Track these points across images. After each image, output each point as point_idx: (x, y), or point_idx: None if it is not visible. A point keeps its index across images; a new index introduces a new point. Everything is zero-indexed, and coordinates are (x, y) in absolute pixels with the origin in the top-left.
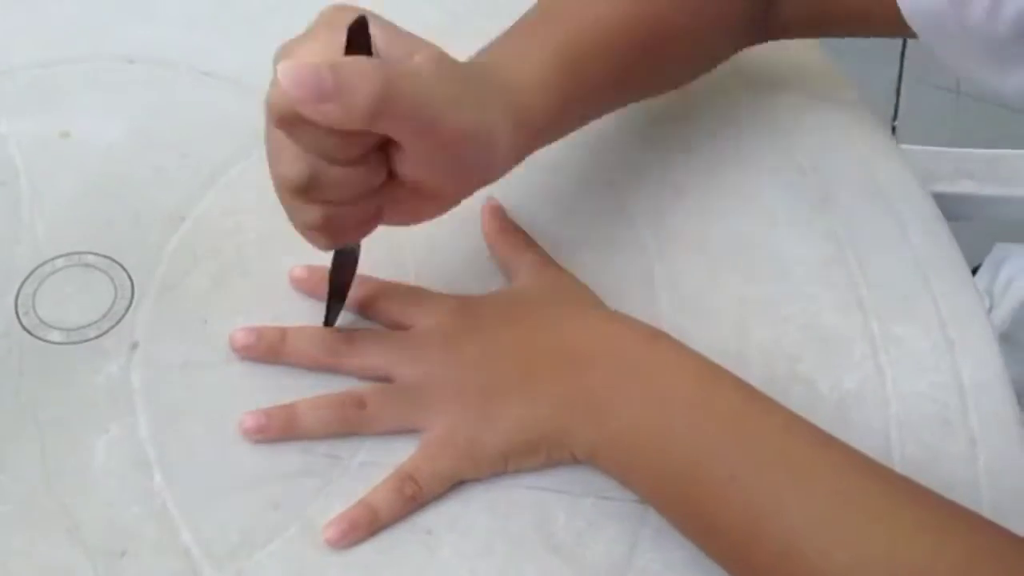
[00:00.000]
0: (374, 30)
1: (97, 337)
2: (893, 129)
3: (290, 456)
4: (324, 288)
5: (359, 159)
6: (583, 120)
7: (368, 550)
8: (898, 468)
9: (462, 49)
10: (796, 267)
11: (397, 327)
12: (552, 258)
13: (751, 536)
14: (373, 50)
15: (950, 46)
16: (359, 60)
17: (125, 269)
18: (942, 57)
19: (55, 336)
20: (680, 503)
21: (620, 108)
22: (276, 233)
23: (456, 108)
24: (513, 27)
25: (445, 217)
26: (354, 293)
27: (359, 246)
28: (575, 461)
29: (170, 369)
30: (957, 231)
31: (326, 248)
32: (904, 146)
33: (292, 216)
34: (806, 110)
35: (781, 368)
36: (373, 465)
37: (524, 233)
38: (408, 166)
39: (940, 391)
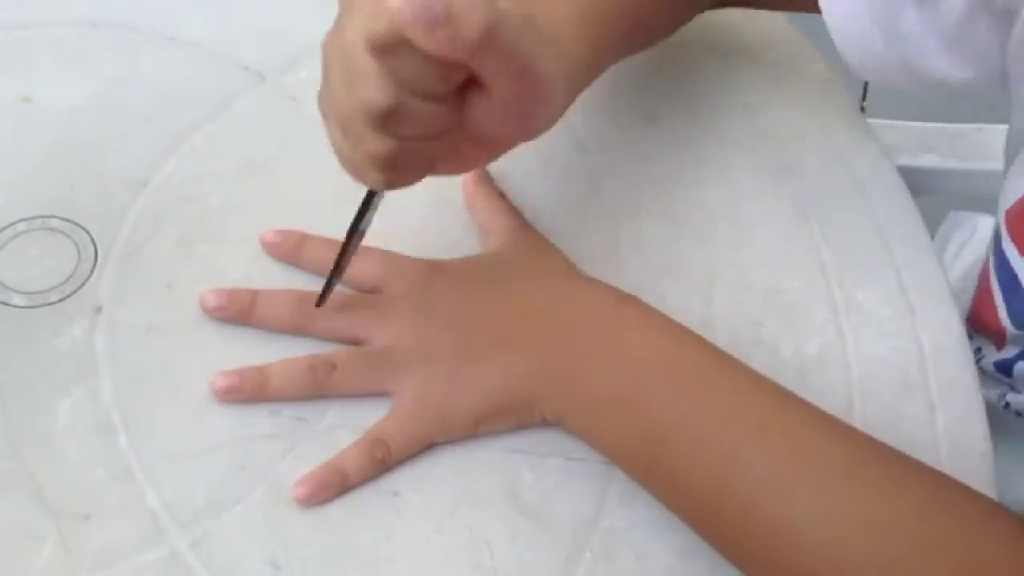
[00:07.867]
0: None
1: (60, 301)
2: (862, 109)
3: (256, 418)
4: (296, 252)
5: (444, 96)
6: (599, 74)
7: (335, 510)
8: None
9: None
10: (760, 234)
11: (369, 291)
12: (529, 224)
13: (716, 493)
14: None
15: (887, 65)
16: None
17: (88, 233)
18: (881, 82)
19: (17, 300)
20: (647, 462)
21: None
22: (239, 199)
23: (543, 55)
24: None
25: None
26: (325, 256)
27: (366, 228)
28: (545, 423)
29: (134, 333)
30: (921, 206)
31: (379, 187)
32: (868, 120)
33: (356, 146)
34: (772, 80)
35: (744, 333)
36: (340, 428)
37: (505, 198)
38: (484, 111)
39: (900, 356)
